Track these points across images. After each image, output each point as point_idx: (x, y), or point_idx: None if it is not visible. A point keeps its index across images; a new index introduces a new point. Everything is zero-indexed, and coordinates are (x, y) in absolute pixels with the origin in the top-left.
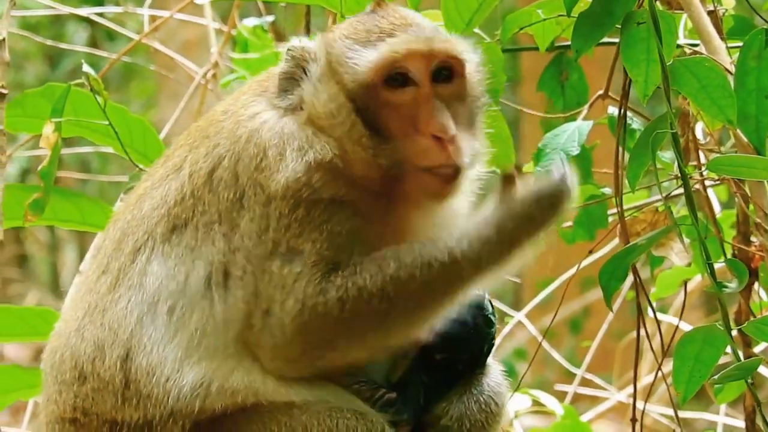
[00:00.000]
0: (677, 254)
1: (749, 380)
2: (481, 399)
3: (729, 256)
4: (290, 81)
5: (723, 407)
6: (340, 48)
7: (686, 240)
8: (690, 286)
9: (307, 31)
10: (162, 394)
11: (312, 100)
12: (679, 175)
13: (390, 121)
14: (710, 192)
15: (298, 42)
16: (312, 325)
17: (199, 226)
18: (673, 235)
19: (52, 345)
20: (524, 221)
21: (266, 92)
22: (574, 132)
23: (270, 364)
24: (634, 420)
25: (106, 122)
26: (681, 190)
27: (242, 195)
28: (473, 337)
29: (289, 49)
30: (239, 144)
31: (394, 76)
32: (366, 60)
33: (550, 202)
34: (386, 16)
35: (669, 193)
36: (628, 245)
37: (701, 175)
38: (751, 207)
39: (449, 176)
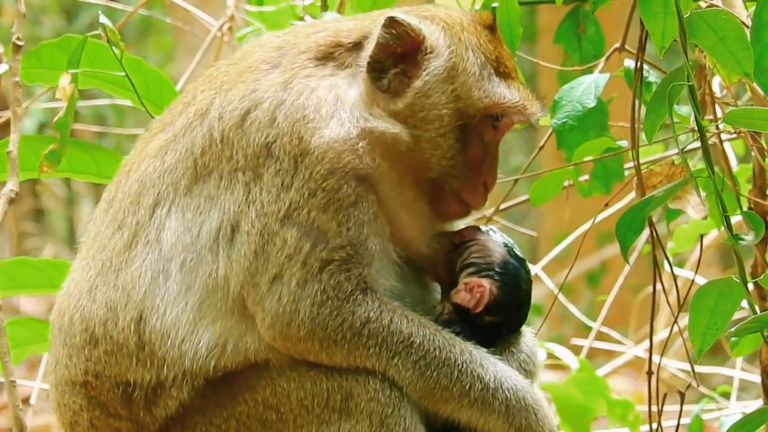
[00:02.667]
0: (693, 207)
1: (766, 333)
2: (521, 358)
3: (745, 209)
4: (387, 58)
5: (739, 362)
6: (476, 67)
7: (702, 193)
8: (706, 241)
9: None
10: (177, 355)
11: (420, 97)
12: (695, 128)
13: (472, 149)
14: (726, 146)
15: (414, 21)
16: (328, 322)
17: (224, 174)
18: (689, 188)
19: (59, 306)
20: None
21: (330, 60)
22: (591, 85)
23: (265, 331)
24: (650, 373)
25: (123, 74)
26: (697, 144)
27: (274, 140)
28: (526, 302)
29: (395, 21)
30: (288, 93)
31: (504, 116)
32: (501, 94)
33: None
34: (503, 49)
35: (685, 147)
36: (644, 197)
37: (717, 128)
38: (767, 160)
39: (470, 212)
